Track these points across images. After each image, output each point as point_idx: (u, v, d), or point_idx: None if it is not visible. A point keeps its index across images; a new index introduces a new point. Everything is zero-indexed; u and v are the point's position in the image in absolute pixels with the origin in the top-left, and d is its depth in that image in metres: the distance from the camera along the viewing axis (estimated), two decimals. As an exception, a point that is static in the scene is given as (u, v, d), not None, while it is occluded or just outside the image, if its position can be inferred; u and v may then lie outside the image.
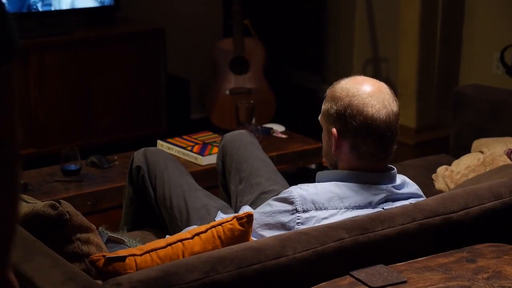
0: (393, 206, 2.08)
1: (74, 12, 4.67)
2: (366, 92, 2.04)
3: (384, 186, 2.08)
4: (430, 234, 2.01)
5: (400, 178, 2.14)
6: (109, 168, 3.61)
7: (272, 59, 5.52)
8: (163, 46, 4.76)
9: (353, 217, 2.02)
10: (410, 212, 2.01)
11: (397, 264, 1.89)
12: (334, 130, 2.07)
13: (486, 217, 2.08)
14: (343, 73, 2.21)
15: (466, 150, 3.23)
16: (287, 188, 2.24)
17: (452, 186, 2.96)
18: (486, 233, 2.08)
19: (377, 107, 2.03)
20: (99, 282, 1.76)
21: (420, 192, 2.20)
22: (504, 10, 4.88)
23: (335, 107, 2.06)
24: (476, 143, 3.19)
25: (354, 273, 1.85)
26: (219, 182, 2.92)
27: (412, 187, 2.18)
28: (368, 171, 2.08)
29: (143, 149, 2.81)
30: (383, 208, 2.07)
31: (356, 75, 2.15)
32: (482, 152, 3.06)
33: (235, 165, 2.78)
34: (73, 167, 3.46)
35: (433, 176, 3.11)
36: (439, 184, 3.04)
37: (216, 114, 5.06)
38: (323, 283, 1.81)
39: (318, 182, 2.13)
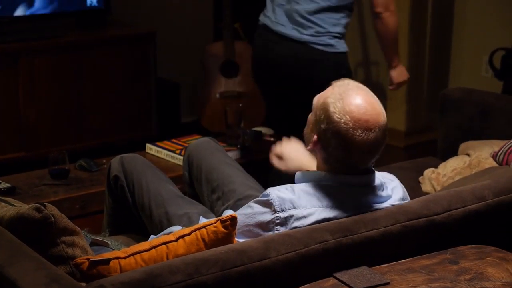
0: (373, 208, 2.08)
1: (64, 15, 4.67)
2: (363, 126, 1.98)
3: (363, 188, 2.09)
4: (414, 236, 2.03)
5: (379, 180, 2.14)
6: (98, 172, 3.61)
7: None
8: (154, 50, 4.77)
9: (331, 216, 2.04)
10: (393, 214, 2.02)
11: (381, 266, 1.91)
12: (315, 138, 2.06)
13: (469, 219, 2.09)
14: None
15: (453, 152, 3.24)
16: (262, 191, 2.26)
17: (438, 188, 2.97)
18: (469, 235, 2.10)
19: (366, 139, 1.99)
20: (83, 285, 1.77)
21: (402, 193, 2.20)
22: (493, 14, 4.90)
23: (325, 127, 2.03)
24: (463, 146, 3.20)
25: (338, 274, 1.87)
26: (187, 194, 2.79)
27: (394, 189, 2.17)
28: (346, 174, 2.08)
29: (119, 156, 2.73)
30: (361, 210, 2.07)
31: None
32: (468, 155, 3.08)
33: (205, 175, 2.70)
34: (61, 170, 3.46)
35: (420, 178, 3.12)
36: (425, 186, 3.05)
37: (206, 118, 5.07)
38: (306, 285, 1.82)
39: (296, 183, 2.14)
